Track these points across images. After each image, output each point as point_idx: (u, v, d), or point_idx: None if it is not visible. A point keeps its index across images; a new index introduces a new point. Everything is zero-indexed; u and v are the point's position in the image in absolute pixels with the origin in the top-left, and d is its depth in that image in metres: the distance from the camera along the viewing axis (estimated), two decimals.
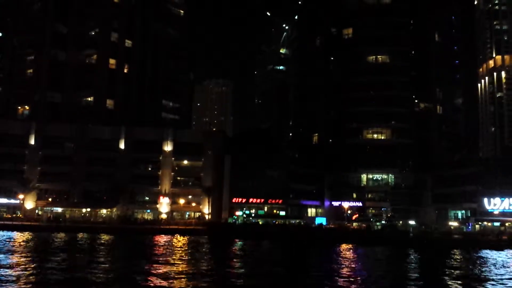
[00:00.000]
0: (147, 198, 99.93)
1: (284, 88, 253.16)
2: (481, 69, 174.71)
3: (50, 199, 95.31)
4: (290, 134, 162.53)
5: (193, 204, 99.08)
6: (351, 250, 65.83)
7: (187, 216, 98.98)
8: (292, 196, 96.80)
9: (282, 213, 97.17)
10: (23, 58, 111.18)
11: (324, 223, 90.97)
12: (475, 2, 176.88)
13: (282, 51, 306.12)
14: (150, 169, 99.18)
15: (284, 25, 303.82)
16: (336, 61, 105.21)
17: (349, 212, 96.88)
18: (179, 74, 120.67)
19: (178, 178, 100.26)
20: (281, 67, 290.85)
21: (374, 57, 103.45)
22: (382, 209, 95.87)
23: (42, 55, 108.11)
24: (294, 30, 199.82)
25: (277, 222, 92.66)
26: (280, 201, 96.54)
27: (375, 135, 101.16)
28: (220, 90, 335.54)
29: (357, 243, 72.82)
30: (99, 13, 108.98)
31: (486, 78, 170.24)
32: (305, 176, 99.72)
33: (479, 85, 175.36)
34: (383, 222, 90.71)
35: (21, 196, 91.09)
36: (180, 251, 57.97)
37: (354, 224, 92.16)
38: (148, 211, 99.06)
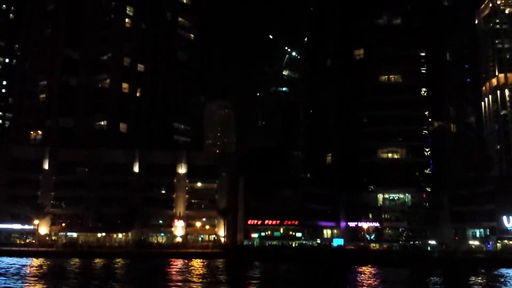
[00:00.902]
0: (161, 221, 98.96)
1: (289, 108, 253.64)
2: (484, 88, 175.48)
3: (64, 224, 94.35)
4: (296, 153, 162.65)
5: (208, 227, 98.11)
6: (374, 272, 64.79)
7: (200, 239, 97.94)
8: (308, 217, 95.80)
9: (299, 234, 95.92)
10: (34, 83, 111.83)
11: (342, 244, 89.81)
12: (476, 22, 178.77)
13: (285, 72, 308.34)
14: (164, 192, 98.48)
15: (286, 48, 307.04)
16: (348, 81, 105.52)
17: (363, 232, 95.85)
18: (189, 97, 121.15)
19: (192, 200, 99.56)
20: (284, 89, 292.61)
21: (386, 76, 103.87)
22: (400, 229, 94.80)
23: (53, 80, 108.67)
24: (303, 51, 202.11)
25: (293, 244, 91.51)
26: (296, 222, 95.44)
27: (390, 154, 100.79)
28: (222, 112, 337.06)
29: (378, 264, 71.68)
30: (111, 37, 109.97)
31: (490, 96, 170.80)
32: (319, 196, 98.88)
33: (482, 103, 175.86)
34: (401, 242, 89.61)
35: (36, 222, 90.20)
36: (198, 275, 57.20)
37: (373, 244, 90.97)
38: (162, 234, 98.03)
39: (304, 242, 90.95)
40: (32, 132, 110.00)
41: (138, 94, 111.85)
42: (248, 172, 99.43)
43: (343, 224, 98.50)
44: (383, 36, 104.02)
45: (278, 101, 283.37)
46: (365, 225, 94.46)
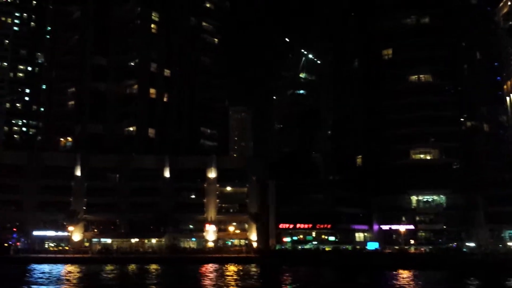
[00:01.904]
0: (191, 226, 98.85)
1: (307, 111, 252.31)
2: (505, 86, 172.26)
3: (97, 230, 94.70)
4: (316, 155, 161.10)
5: (239, 231, 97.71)
6: (413, 275, 63.74)
7: (229, 243, 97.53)
8: (340, 220, 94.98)
9: (332, 238, 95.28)
10: (63, 90, 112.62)
11: (377, 247, 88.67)
12: (495, 19, 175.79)
13: (302, 75, 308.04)
14: (195, 196, 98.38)
15: (302, 50, 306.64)
16: (376, 82, 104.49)
17: (397, 235, 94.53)
18: (215, 101, 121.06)
19: (223, 205, 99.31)
20: (301, 91, 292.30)
21: (416, 77, 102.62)
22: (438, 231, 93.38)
23: (82, 87, 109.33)
24: (322, 53, 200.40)
25: (327, 248, 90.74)
26: (329, 225, 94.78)
27: (422, 156, 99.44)
28: (239, 117, 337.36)
29: (416, 268, 70.49)
30: (138, 43, 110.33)
31: (511, 95, 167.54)
32: (351, 199, 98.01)
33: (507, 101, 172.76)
34: (439, 245, 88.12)
35: (71, 228, 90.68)
36: (233, 280, 56.74)
37: (408, 247, 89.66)
38: (194, 239, 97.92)
39: (338, 246, 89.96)
40: (62, 139, 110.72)
41: (165, 99, 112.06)
42: (277, 176, 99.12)
43: (375, 227, 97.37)
44: (412, 36, 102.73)
45: (295, 105, 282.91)
46: (403, 227, 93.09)
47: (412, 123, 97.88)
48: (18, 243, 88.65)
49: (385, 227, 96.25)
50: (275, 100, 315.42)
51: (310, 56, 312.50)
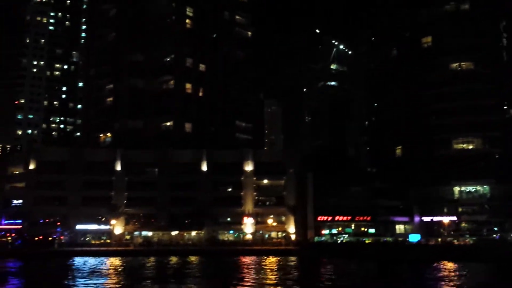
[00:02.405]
0: (229, 219, 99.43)
1: (338, 103, 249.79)
2: None
3: (138, 224, 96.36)
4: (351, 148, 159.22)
5: (276, 224, 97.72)
6: (458, 268, 62.25)
7: (266, 236, 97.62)
8: (380, 212, 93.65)
9: (371, 230, 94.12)
10: (101, 87, 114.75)
11: (418, 239, 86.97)
12: None
13: (333, 66, 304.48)
14: (232, 190, 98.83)
15: (333, 41, 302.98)
16: (415, 70, 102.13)
17: (440, 227, 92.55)
18: (249, 95, 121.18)
19: (260, 198, 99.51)
20: (332, 83, 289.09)
21: (457, 64, 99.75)
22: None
23: (120, 83, 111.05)
24: (353, 43, 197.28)
25: (367, 241, 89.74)
26: (369, 218, 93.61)
27: (465, 145, 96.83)
28: (270, 110, 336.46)
29: (462, 260, 68.85)
30: (173, 39, 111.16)
31: None
32: (391, 191, 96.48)
33: None
34: (482, 235, 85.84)
35: (113, 222, 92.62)
36: (274, 271, 56.56)
37: (450, 239, 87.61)
38: (232, 232, 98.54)
39: (378, 238, 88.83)
40: (101, 135, 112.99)
41: (200, 94, 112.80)
42: (314, 168, 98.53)
43: (416, 219, 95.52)
44: (452, 23, 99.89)
45: (326, 96, 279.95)
46: (441, 219, 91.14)
47: (453, 112, 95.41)
48: (62, 237, 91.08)
49: (426, 218, 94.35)
50: (305, 92, 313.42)
51: (341, 47, 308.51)
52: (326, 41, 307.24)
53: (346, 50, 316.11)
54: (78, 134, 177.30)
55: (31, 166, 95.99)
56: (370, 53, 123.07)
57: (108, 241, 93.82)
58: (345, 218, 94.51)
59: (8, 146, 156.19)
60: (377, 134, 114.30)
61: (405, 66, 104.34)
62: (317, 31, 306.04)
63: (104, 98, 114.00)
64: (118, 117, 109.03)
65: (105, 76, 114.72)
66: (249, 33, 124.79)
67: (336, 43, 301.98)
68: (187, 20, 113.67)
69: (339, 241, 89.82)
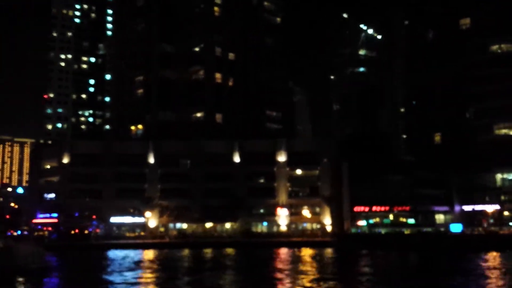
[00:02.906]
0: (261, 210, 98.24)
1: (367, 90, 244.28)
2: None
3: (172, 216, 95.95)
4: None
5: (311, 215, 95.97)
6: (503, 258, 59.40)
7: (300, 227, 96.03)
8: (419, 202, 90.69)
9: (411, 220, 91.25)
10: (132, 79, 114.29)
11: (461, 229, 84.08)
12: None
13: (362, 52, 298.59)
14: (265, 181, 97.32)
15: (361, 26, 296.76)
16: (454, 53, 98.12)
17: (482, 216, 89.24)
18: (279, 83, 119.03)
19: (294, 188, 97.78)
20: (361, 69, 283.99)
21: (497, 46, 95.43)
22: None
23: (150, 75, 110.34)
24: (382, 28, 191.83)
25: (406, 231, 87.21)
26: (407, 207, 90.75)
27: (506, 130, 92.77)
28: (295, 99, 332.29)
29: (506, 250, 65.92)
30: (202, 29, 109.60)
31: None
32: (430, 179, 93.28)
33: None
34: None
35: (148, 214, 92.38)
36: (315, 264, 54.77)
37: (494, 228, 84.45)
38: (265, 223, 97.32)
39: (418, 228, 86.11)
40: (132, 127, 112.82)
41: (230, 84, 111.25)
42: (349, 157, 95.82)
43: (457, 208, 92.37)
44: (490, 3, 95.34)
45: (355, 83, 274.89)
46: (484, 208, 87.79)
47: (494, 96, 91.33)
48: (97, 230, 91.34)
49: (467, 207, 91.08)
50: (332, 80, 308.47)
51: (370, 31, 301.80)
52: (354, 26, 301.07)
53: (375, 35, 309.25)
54: (107, 127, 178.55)
55: (65, 160, 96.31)
56: (405, 37, 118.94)
57: (142, 233, 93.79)
58: (383, 208, 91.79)
59: (41, 140, 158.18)
60: (414, 121, 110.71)
61: (443, 49, 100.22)
62: (345, 16, 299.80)
63: (135, 90, 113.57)
64: (149, 109, 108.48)
65: (136, 68, 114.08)
66: (278, 19, 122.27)
67: (365, 28, 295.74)
68: (215, 8, 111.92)
69: (377, 232, 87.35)
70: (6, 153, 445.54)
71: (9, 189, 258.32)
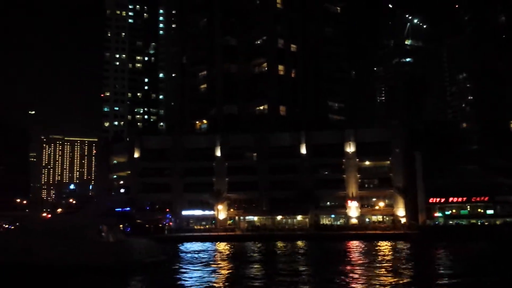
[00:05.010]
0: (328, 203, 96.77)
1: (414, 80, 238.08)
2: None
3: (241, 209, 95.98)
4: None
5: (382, 207, 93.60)
6: None
7: (367, 220, 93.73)
8: (499, 192, 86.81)
9: (489, 211, 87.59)
10: (195, 74, 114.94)
11: None
12: None
13: (407, 42, 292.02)
14: (334, 172, 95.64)
15: (407, 15, 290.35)
16: None
17: None
18: (340, 73, 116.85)
19: (364, 180, 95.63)
20: (408, 59, 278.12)
21: None
22: None
23: (214, 69, 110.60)
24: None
25: (486, 223, 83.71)
26: (486, 198, 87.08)
27: None
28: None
29: None
30: (264, 20, 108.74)
31: None
32: (507, 168, 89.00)
33: None
34: None
35: (220, 207, 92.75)
36: (395, 258, 52.47)
37: None
38: (333, 216, 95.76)
39: (501, 219, 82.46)
40: (197, 122, 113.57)
41: (293, 75, 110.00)
42: (421, 147, 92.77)
43: None
44: None
45: (400, 74, 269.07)
46: None
47: None
48: (170, 223, 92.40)
49: None
50: (376, 71, 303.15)
51: (416, 21, 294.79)
52: (399, 16, 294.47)
53: (421, 24, 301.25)
54: (161, 124, 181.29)
55: (136, 155, 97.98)
56: (477, 21, 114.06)
57: (208, 226, 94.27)
58: (459, 199, 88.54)
59: (107, 137, 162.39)
60: (485, 109, 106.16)
61: None
62: (390, 6, 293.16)
63: (198, 84, 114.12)
64: (213, 103, 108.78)
65: (199, 63, 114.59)
66: (338, 8, 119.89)
67: (410, 18, 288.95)
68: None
69: (456, 224, 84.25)
70: (57, 151, 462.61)
71: (72, 186, 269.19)
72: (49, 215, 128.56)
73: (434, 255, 57.30)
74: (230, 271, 41.66)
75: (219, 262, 48.66)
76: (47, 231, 38.65)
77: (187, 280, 35.27)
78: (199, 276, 36.88)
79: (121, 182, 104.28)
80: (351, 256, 54.54)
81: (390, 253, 58.99)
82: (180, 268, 41.96)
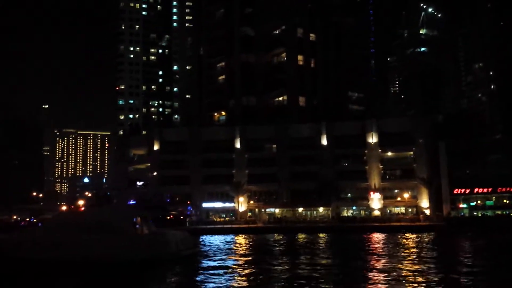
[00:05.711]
0: (350, 194, 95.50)
1: (430, 70, 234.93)
2: None
3: (261, 201, 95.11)
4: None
5: (406, 198, 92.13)
6: None
7: (389, 211, 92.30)
8: None
9: None
10: (211, 66, 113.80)
11: None
12: None
13: (422, 31, 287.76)
14: (356, 163, 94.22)
15: (421, 5, 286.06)
16: None
17: None
18: (360, 63, 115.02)
19: (387, 171, 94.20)
20: (422, 49, 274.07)
21: None
22: None
23: (231, 60, 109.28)
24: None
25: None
26: None
27: None
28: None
29: None
30: (283, 10, 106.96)
31: None
32: None
33: None
34: None
35: (241, 199, 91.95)
36: (424, 250, 50.90)
37: None
38: (354, 207, 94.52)
39: None
40: (215, 114, 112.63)
41: (312, 65, 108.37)
42: (445, 137, 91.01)
43: None
44: None
45: (415, 64, 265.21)
46: None
47: None
48: (192, 216, 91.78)
49: None
50: (389, 61, 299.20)
51: (430, 10, 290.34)
52: (413, 5, 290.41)
53: (436, 13, 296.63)
54: (176, 116, 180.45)
55: (156, 147, 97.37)
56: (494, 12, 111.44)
57: (228, 218, 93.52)
58: (484, 190, 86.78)
59: (121, 130, 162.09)
60: (508, 98, 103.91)
61: None
62: None
63: (216, 76, 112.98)
64: (231, 95, 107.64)
65: (216, 54, 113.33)
66: None
67: (425, 7, 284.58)
68: None
69: (483, 215, 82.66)
70: (70, 145, 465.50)
71: (86, 179, 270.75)
72: (68, 208, 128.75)
73: (466, 247, 55.82)
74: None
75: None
76: (80, 225, 37.76)
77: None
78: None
79: (140, 174, 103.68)
80: (381, 249, 53.26)
81: (427, 246, 57.45)
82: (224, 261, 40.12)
